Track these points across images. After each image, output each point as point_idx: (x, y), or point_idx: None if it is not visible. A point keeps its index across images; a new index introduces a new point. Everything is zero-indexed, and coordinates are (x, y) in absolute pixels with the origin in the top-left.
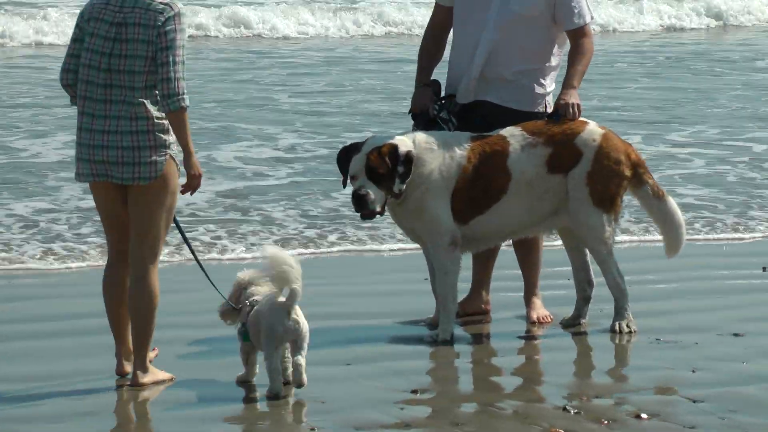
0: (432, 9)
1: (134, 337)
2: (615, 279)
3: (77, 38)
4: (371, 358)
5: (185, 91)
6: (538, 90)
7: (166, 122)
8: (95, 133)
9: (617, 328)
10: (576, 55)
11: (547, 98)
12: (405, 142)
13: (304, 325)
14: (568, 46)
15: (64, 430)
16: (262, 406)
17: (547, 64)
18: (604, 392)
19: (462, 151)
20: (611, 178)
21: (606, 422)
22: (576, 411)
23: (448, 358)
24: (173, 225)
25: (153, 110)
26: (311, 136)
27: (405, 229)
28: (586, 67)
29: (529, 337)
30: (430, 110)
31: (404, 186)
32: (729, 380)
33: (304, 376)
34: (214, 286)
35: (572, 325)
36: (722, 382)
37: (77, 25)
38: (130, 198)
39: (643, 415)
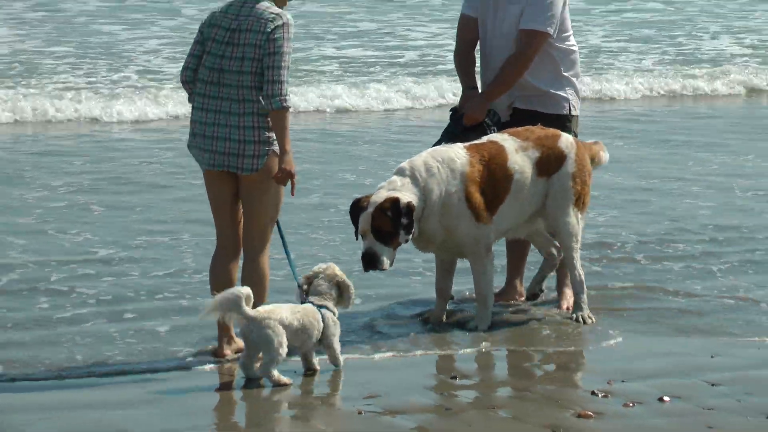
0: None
1: None
2: (579, 275)
3: (198, 41)
4: (413, 346)
5: (287, 93)
6: (562, 94)
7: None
8: (208, 125)
9: (580, 318)
10: (503, 66)
11: (572, 101)
12: (405, 191)
13: (266, 334)
14: (571, 42)
15: (134, 416)
16: (315, 391)
17: (563, 72)
18: (630, 377)
19: (461, 159)
20: (586, 178)
21: (632, 404)
22: (604, 395)
23: (485, 346)
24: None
25: (260, 108)
26: None
27: (430, 251)
28: (504, 85)
29: (560, 325)
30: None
31: (410, 237)
32: (745, 365)
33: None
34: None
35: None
36: (739, 367)
37: (200, 30)
38: (240, 187)
39: (666, 398)
